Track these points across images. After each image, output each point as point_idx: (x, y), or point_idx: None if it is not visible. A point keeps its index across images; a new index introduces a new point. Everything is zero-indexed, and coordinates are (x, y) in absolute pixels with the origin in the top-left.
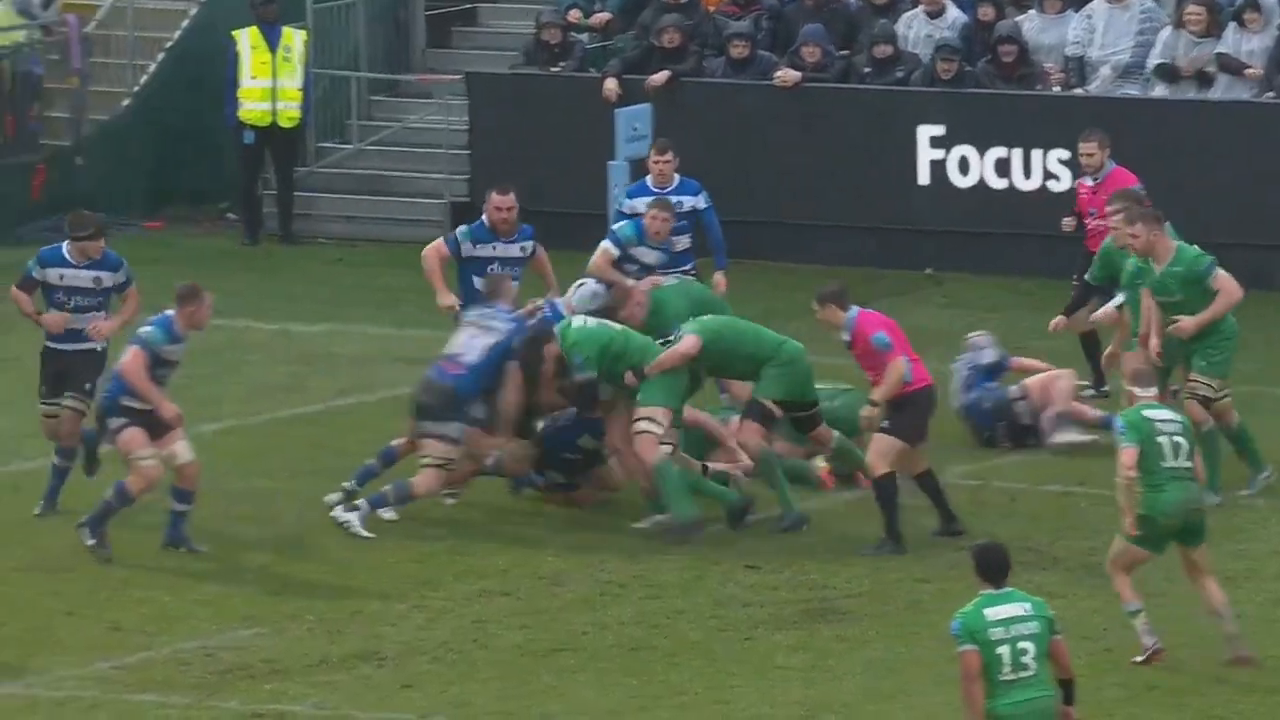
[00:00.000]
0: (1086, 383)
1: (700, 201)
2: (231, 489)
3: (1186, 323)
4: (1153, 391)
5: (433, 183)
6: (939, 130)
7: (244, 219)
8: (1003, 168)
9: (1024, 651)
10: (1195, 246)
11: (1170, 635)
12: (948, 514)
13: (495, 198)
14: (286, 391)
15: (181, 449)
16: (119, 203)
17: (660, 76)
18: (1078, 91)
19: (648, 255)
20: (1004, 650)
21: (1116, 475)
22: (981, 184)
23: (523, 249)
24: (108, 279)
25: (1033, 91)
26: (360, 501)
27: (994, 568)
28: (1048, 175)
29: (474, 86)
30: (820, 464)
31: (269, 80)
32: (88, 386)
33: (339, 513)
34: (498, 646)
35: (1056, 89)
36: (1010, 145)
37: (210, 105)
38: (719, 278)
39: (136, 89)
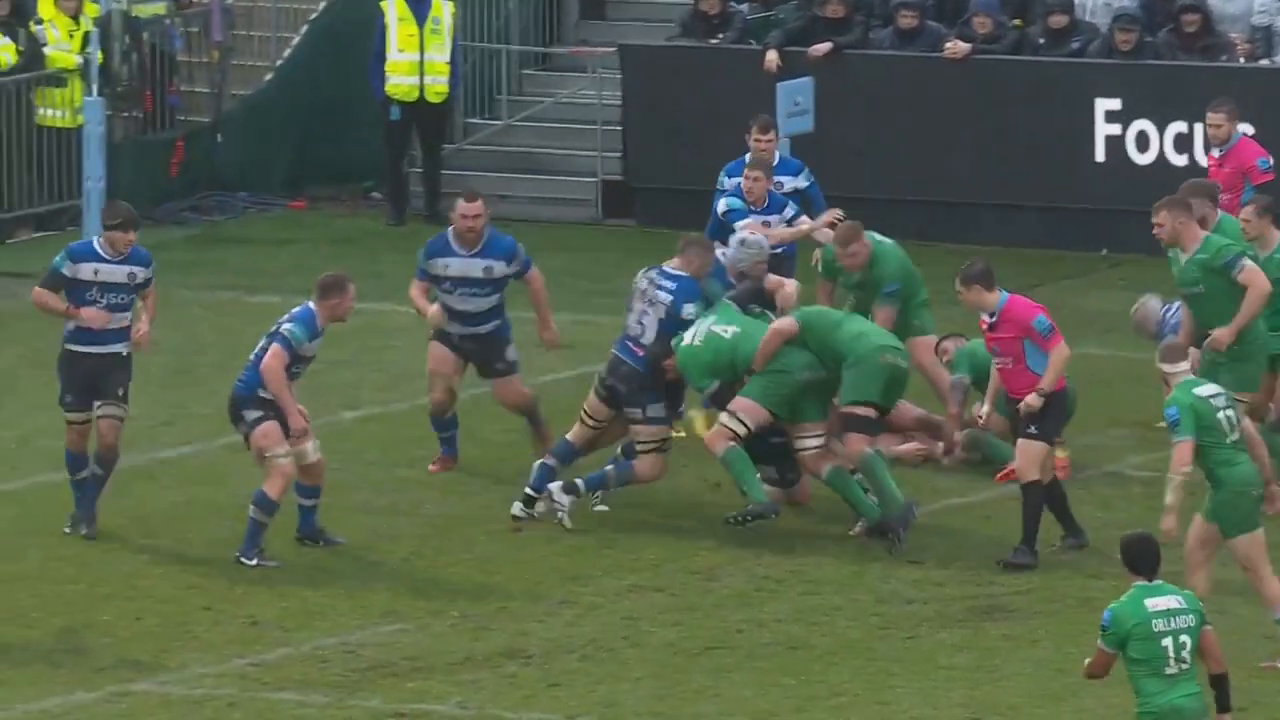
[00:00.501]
0: None
1: (801, 180)
2: (372, 479)
3: (1221, 334)
4: (1184, 366)
5: (585, 160)
6: (1116, 104)
7: (389, 198)
8: (1183, 143)
9: (1184, 645)
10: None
11: None
12: (1071, 523)
13: (461, 205)
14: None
15: (310, 447)
16: (260, 181)
17: (823, 48)
18: (1264, 62)
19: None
20: (1168, 642)
21: (1171, 472)
22: (1161, 160)
23: (487, 270)
24: (140, 274)
25: (1217, 63)
26: (576, 481)
27: (1146, 559)
28: None
29: (628, 59)
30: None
31: (416, 54)
32: (121, 392)
33: (558, 493)
34: (649, 644)
35: (1242, 60)
36: (1192, 120)
37: (355, 80)
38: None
39: (279, 63)
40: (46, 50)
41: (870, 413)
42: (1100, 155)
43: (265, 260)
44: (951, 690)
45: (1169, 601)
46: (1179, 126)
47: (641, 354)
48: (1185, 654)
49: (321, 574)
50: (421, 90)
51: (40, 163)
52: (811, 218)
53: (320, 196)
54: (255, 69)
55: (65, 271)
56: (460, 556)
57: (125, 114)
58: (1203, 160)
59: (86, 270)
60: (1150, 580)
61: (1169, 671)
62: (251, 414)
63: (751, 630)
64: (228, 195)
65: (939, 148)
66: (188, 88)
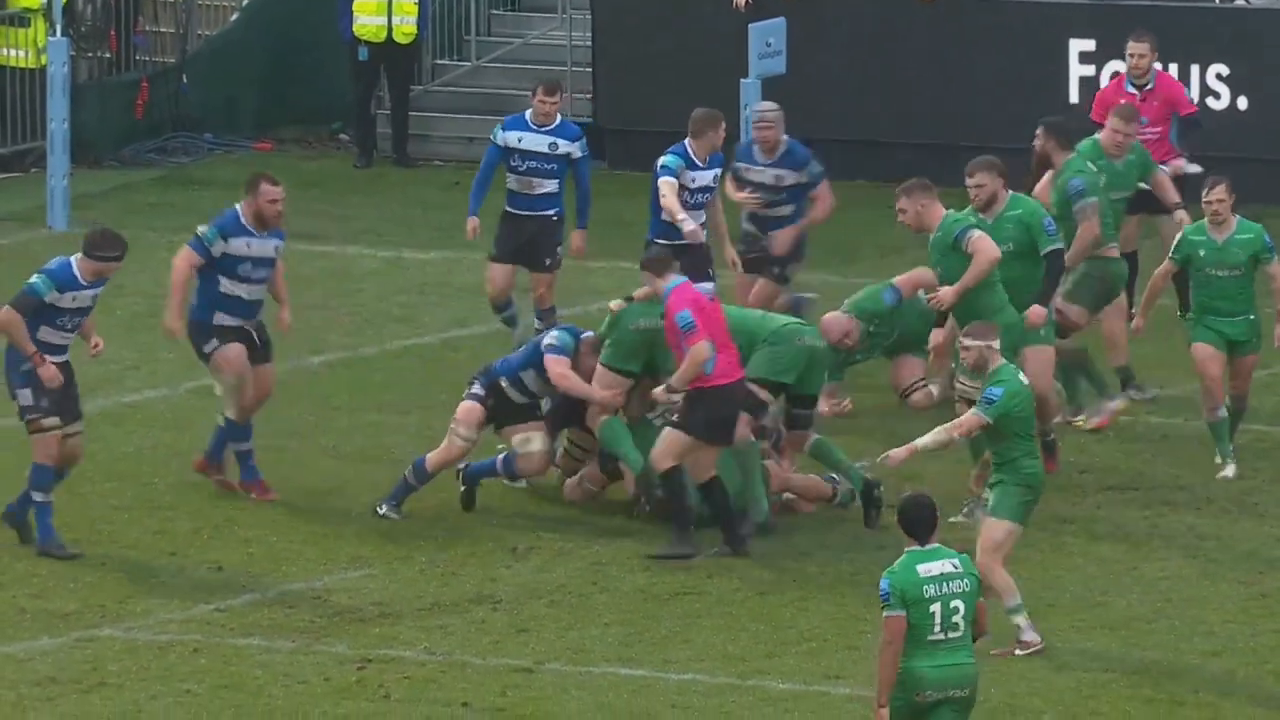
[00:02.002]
0: None
1: (577, 150)
2: (340, 424)
3: (945, 292)
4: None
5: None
6: (1090, 45)
7: (357, 140)
8: None
9: (955, 610)
10: (959, 213)
11: None
12: (732, 531)
13: (265, 188)
14: (399, 322)
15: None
16: (226, 123)
17: None
18: (1240, 2)
19: (703, 177)
20: (936, 608)
21: (951, 430)
22: None
23: (277, 248)
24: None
25: (1192, 3)
26: None
27: (922, 523)
28: (1207, 92)
29: (598, 1)
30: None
31: None
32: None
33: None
34: (618, 590)
35: (1218, 0)
36: (1167, 61)
37: (322, 20)
38: (577, 237)
39: (245, 3)
40: None
41: (767, 393)
42: (1074, 97)
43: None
44: None
45: (942, 566)
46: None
47: None
48: (956, 619)
49: (288, 519)
50: (389, 31)
51: (3, 104)
52: (578, 186)
53: (287, 138)
54: (221, 9)
55: (48, 299)
56: (428, 502)
57: (89, 55)
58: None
59: (67, 299)
60: (924, 545)
61: (931, 638)
62: (473, 389)
63: (721, 575)
64: (193, 137)
65: (911, 89)
66: (153, 28)
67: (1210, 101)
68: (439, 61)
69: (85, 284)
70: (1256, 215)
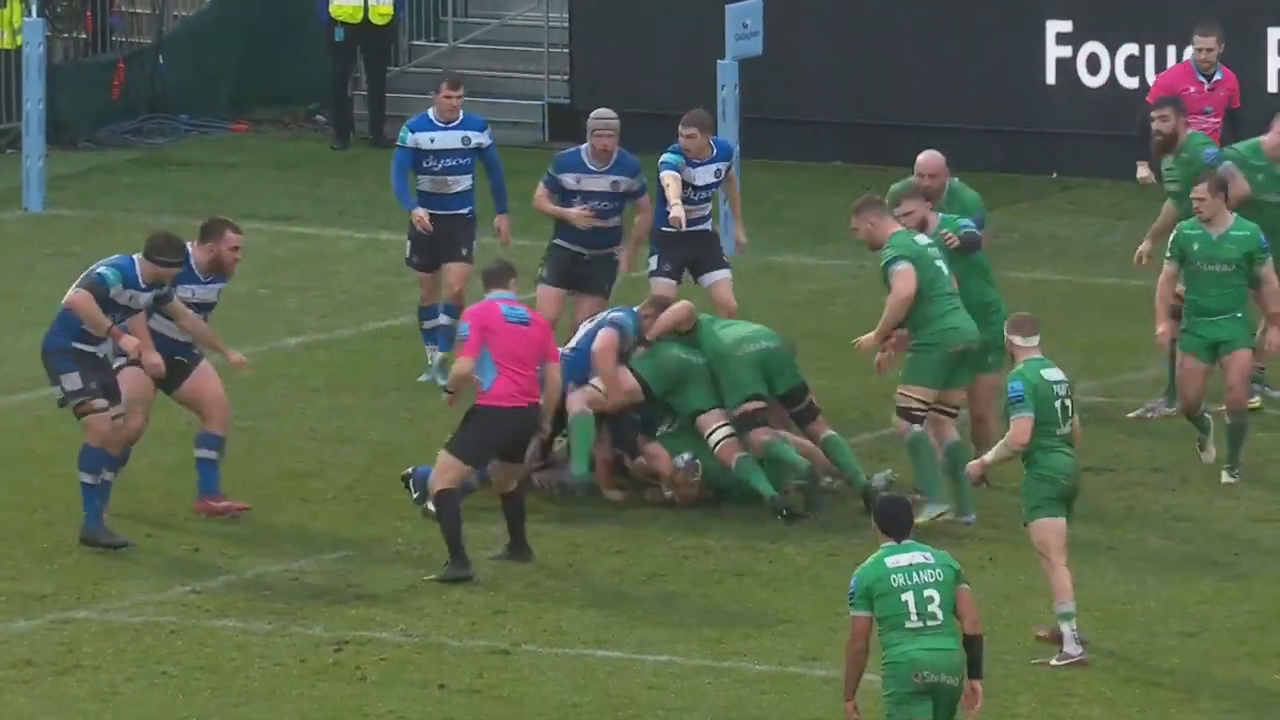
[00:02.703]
0: None
1: (486, 138)
2: (316, 406)
3: (864, 340)
4: (1035, 341)
5: (531, 83)
6: (1066, 26)
7: (333, 121)
8: (1134, 66)
9: (930, 599)
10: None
11: None
12: (519, 541)
13: (230, 235)
14: (375, 304)
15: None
16: (202, 104)
17: None
18: None
19: (703, 174)
20: (909, 597)
21: (1005, 442)
22: (1113, 83)
23: (220, 291)
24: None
25: None
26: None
27: (898, 523)
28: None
29: None
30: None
31: None
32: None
33: None
34: (594, 571)
35: None
36: (1143, 42)
37: (299, 1)
38: (501, 222)
39: None
40: None
41: (758, 405)
42: (1051, 78)
43: (209, 184)
44: None
45: (912, 557)
46: (1130, 49)
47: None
48: (933, 608)
49: (265, 501)
50: (366, 11)
51: None
52: (492, 174)
53: (263, 120)
54: None
55: (114, 295)
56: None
57: (66, 35)
58: (1154, 81)
59: (125, 296)
60: (899, 542)
61: (910, 625)
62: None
63: (697, 557)
64: (169, 118)
65: (889, 70)
66: (129, 9)
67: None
68: (416, 42)
69: (143, 286)
70: None
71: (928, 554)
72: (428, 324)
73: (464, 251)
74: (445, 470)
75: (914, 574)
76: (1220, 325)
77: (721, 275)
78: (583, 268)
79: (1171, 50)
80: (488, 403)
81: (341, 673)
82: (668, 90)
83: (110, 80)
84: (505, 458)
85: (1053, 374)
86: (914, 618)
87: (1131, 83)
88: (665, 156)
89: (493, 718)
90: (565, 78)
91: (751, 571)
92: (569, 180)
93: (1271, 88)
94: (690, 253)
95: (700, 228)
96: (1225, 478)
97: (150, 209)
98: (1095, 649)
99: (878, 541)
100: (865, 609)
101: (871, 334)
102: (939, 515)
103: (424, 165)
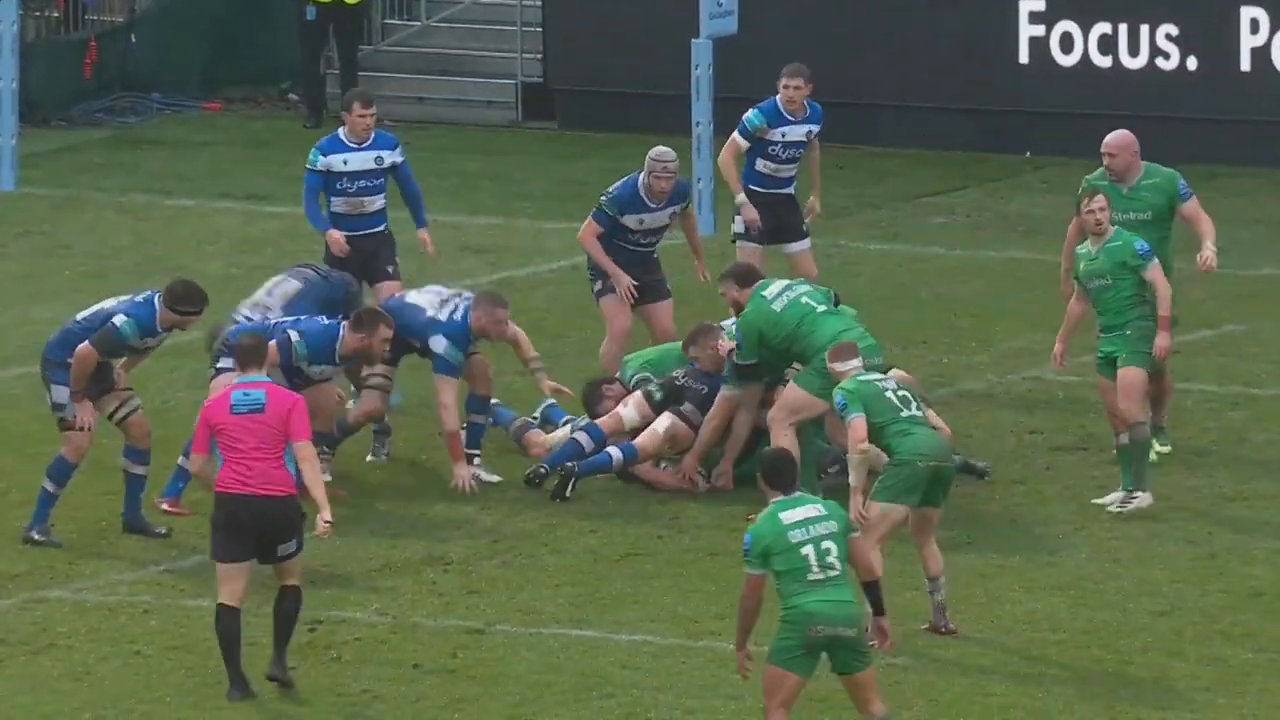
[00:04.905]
0: None
1: (398, 155)
2: None
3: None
4: (855, 363)
5: (505, 62)
6: (1039, 5)
7: (306, 100)
8: (1107, 45)
9: (828, 551)
10: None
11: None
12: (236, 673)
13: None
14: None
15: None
16: (174, 82)
17: None
18: None
19: (794, 132)
20: (809, 550)
21: (850, 452)
22: (1085, 62)
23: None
24: None
25: None
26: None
27: (782, 474)
28: (1156, 52)
29: None
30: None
31: None
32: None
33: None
34: (569, 551)
35: None
36: (1116, 20)
37: None
38: (424, 235)
39: None
40: None
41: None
42: (1024, 57)
43: (181, 163)
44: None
45: (806, 511)
46: (1103, 28)
47: None
48: (831, 559)
49: None
50: None
51: None
52: (407, 189)
53: (236, 98)
54: None
55: (133, 343)
56: (379, 462)
57: (38, 13)
58: (1127, 60)
59: (140, 343)
60: (788, 494)
61: (812, 577)
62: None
63: (672, 537)
64: (141, 97)
65: (863, 49)
66: None
67: (1160, 62)
68: (388, 21)
69: (161, 330)
70: (1211, 174)
71: (819, 506)
72: None
73: (390, 270)
74: (218, 581)
75: (810, 527)
76: (1111, 341)
77: (802, 245)
78: (643, 279)
79: (1144, 29)
80: (217, 490)
81: (315, 653)
82: (642, 69)
83: (82, 59)
84: (261, 558)
85: (872, 375)
86: (815, 569)
87: (1104, 61)
88: (749, 115)
89: (467, 697)
90: (539, 56)
91: (726, 550)
92: (632, 221)
93: (1245, 66)
94: (773, 219)
95: (785, 190)
96: (1112, 505)
97: (122, 188)
98: (1068, 628)
99: (767, 497)
100: (760, 567)
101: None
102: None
103: (337, 187)
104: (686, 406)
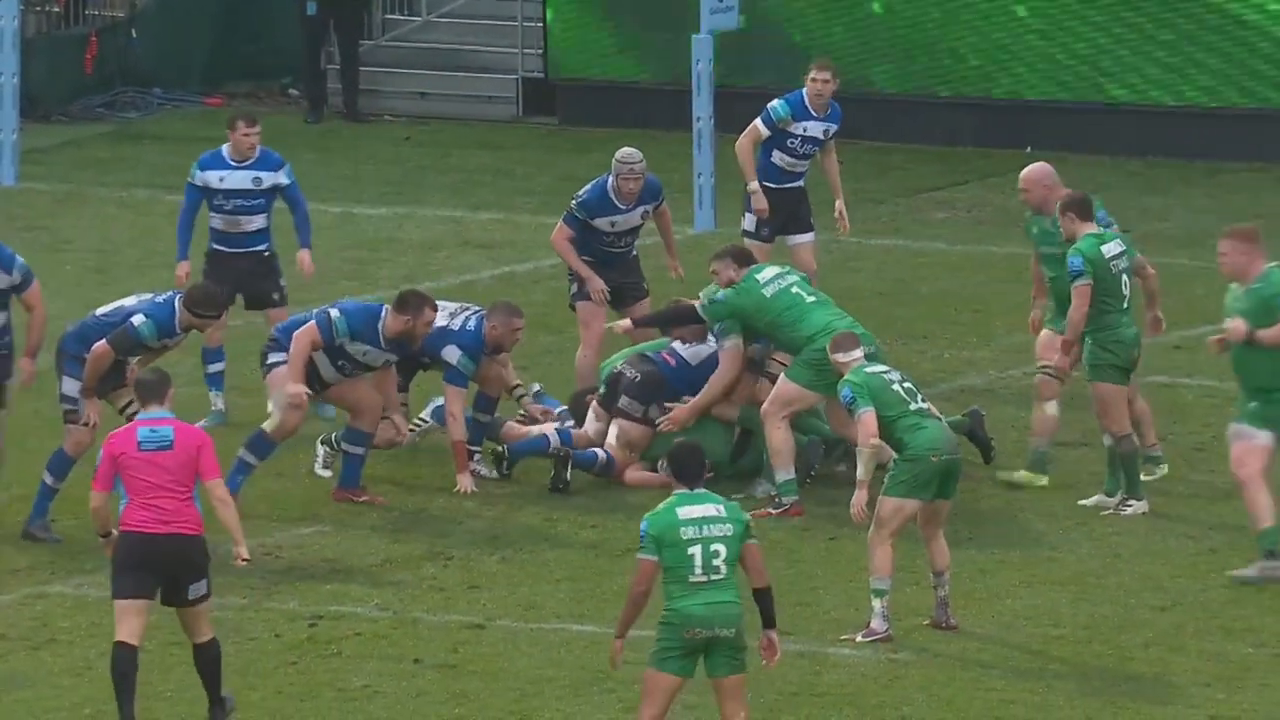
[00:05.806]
0: None
1: (284, 177)
2: None
3: (678, 412)
4: (858, 353)
5: (506, 57)
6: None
7: (307, 95)
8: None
9: (716, 554)
10: None
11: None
12: (129, 716)
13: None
14: (349, 279)
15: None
16: (176, 78)
17: None
18: None
19: (814, 128)
20: (696, 550)
21: (860, 445)
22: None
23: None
24: None
25: None
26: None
27: (689, 468)
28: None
29: None
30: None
31: None
32: None
33: None
34: (569, 546)
35: None
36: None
37: None
38: (303, 256)
39: None
40: None
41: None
42: (1025, 51)
43: (183, 158)
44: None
45: (705, 510)
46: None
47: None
48: (718, 563)
49: None
50: None
51: None
52: (296, 211)
53: (237, 93)
54: None
55: (150, 343)
56: (379, 457)
57: (39, 8)
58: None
59: (158, 344)
60: (692, 489)
61: (693, 579)
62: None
63: None
64: (142, 92)
65: (863, 40)
66: None
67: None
68: (389, 16)
69: (179, 332)
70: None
71: (720, 506)
72: (211, 368)
73: (275, 297)
74: (117, 618)
75: (704, 527)
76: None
77: (806, 238)
78: (620, 281)
79: (1146, 25)
80: (123, 529)
81: (316, 648)
82: (643, 64)
83: (83, 54)
84: (168, 599)
85: (877, 367)
86: (698, 571)
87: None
88: (775, 104)
89: (467, 692)
90: (539, 52)
91: None
92: (604, 224)
93: None
94: (783, 212)
95: (796, 184)
96: (1089, 503)
97: (123, 183)
98: (1069, 622)
99: (671, 488)
100: (653, 554)
101: (686, 407)
102: None
103: (214, 204)
104: (623, 400)
